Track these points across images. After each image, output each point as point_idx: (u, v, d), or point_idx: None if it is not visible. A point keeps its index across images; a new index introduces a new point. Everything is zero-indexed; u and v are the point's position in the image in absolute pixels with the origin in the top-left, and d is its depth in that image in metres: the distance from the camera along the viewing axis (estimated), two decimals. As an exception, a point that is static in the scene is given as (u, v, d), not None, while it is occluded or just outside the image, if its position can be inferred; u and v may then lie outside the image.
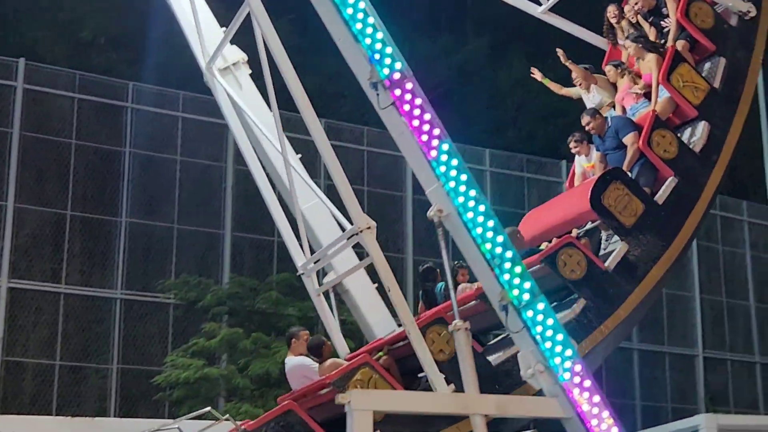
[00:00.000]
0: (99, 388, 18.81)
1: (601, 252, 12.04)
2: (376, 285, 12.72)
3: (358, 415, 9.82)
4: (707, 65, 12.79)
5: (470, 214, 10.48)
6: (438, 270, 12.22)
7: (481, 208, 10.53)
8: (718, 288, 26.20)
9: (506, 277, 10.36)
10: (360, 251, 13.36)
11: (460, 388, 10.11)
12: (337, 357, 11.75)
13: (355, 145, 21.99)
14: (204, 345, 17.14)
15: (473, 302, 11.26)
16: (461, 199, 10.51)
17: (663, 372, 24.88)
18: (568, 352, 10.36)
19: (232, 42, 12.87)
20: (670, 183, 11.75)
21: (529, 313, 10.34)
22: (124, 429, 15.40)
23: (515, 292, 10.36)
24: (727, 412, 23.95)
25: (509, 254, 10.46)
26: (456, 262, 11.92)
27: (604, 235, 12.25)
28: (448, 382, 10.28)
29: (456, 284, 11.66)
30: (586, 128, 12.59)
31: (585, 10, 15.14)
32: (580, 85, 13.06)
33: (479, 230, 10.45)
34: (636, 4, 13.13)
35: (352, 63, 10.98)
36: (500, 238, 10.48)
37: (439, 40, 30.47)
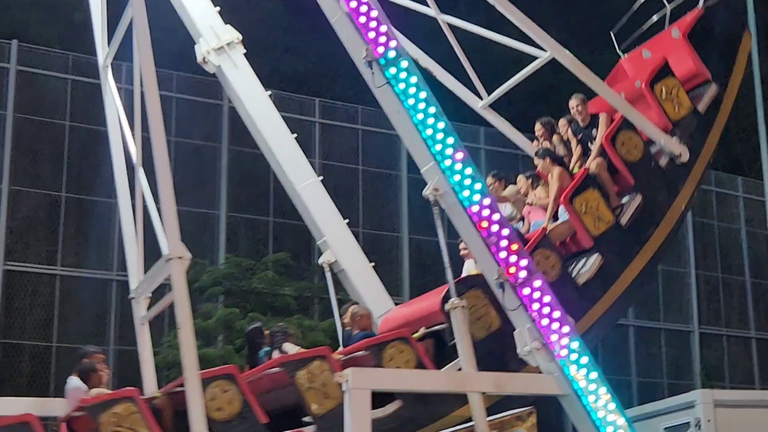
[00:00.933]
0: (96, 369, 18.79)
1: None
2: (372, 264, 12.74)
3: (356, 393, 9.85)
4: (625, 198, 11.97)
5: (466, 192, 10.48)
6: (267, 332, 11.59)
7: (477, 186, 10.53)
8: (714, 264, 26.26)
9: (503, 255, 10.38)
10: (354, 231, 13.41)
11: None
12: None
13: (350, 124, 21.95)
14: (200, 325, 17.13)
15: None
16: (457, 177, 10.51)
17: (659, 348, 24.98)
18: (565, 329, 10.38)
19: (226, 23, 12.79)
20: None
21: (526, 291, 10.36)
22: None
23: (512, 269, 10.39)
24: (723, 388, 24.08)
25: (506, 232, 10.47)
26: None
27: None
28: None
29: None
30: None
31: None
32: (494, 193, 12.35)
33: (475, 208, 10.46)
34: (575, 114, 12.48)
35: (347, 42, 10.96)
36: (496, 216, 10.49)
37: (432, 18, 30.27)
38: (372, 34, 10.64)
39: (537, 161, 12.40)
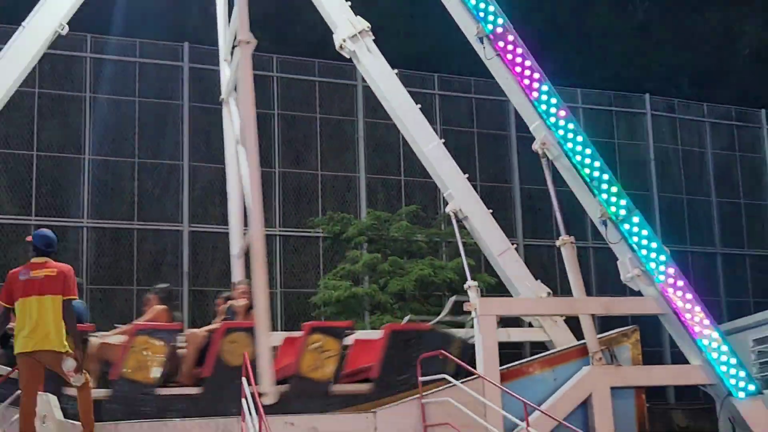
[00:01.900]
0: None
1: None
2: (491, 211, 12.65)
3: (483, 320, 9.89)
4: None
5: (569, 144, 10.36)
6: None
7: (579, 138, 10.39)
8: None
9: (604, 196, 10.24)
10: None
11: None
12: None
13: (465, 94, 21.84)
14: (349, 269, 17.38)
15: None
16: (561, 132, 10.40)
17: (744, 272, 24.13)
18: (662, 257, 10.17)
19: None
20: None
21: (626, 226, 10.21)
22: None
23: (613, 208, 10.23)
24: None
25: (606, 176, 10.30)
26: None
27: None
28: None
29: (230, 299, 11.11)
30: None
31: None
32: None
33: (578, 158, 10.33)
34: None
35: (459, 21, 10.89)
36: (597, 163, 10.32)
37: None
38: (482, 13, 10.54)
39: None
